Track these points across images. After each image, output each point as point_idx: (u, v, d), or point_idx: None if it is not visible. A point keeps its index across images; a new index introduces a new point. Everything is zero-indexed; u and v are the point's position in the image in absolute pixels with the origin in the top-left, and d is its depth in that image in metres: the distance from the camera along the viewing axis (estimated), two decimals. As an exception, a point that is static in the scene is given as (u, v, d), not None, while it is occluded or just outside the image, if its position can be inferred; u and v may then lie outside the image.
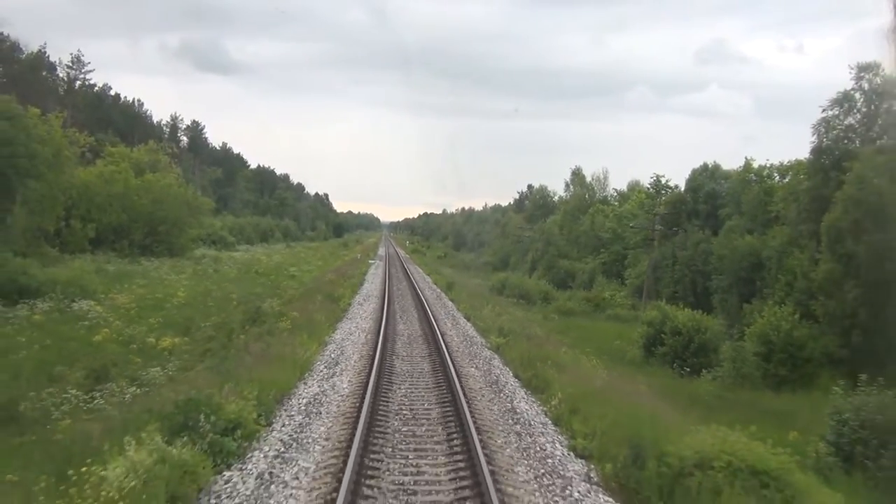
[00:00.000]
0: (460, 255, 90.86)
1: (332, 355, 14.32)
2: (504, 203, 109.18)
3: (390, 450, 8.39)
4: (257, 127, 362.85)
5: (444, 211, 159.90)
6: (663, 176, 60.32)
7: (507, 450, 8.62)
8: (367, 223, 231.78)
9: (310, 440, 8.63)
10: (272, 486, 7.08)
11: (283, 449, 8.27)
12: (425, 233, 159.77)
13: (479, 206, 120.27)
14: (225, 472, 7.47)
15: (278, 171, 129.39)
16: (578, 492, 7.33)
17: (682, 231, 43.94)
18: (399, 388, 11.60)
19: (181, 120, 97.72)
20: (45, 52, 64.99)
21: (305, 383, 11.69)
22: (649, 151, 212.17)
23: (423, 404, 10.67)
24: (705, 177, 46.48)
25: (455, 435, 8.97)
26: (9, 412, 13.10)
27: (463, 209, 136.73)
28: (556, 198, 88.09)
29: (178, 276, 38.24)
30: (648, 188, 60.80)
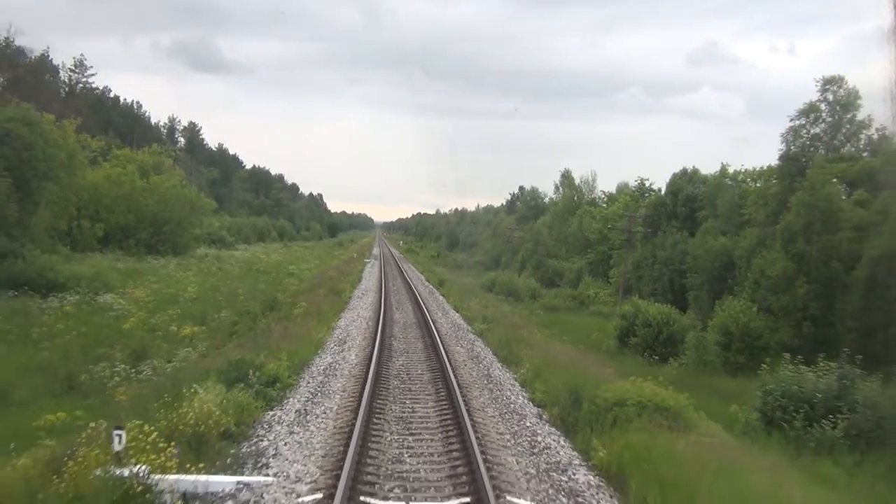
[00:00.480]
0: (453, 255, 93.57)
1: (340, 336, 17.05)
2: (497, 203, 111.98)
3: (392, 398, 11.12)
4: (250, 126, 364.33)
5: (438, 211, 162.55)
6: (647, 179, 63.54)
7: (481, 399, 11.37)
8: (360, 223, 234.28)
9: (330, 391, 11.36)
10: (307, 416, 9.80)
11: (311, 396, 10.99)
12: (419, 233, 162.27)
13: (472, 207, 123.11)
14: (270, 412, 10.17)
15: (272, 171, 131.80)
16: (530, 423, 10.09)
17: (662, 232, 46.80)
18: (397, 360, 14.34)
19: (178, 122, 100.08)
20: (48, 56, 67.37)
21: (321, 356, 14.40)
22: (642, 152, 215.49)
23: (417, 370, 13.41)
24: (684, 181, 49.39)
25: (441, 390, 11.70)
26: (70, 383, 15.77)
27: (456, 210, 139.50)
28: (547, 199, 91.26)
29: (186, 274, 40.86)
30: (633, 190, 63.95)
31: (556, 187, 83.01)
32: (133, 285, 32.32)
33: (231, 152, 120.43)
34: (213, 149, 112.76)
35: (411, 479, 7.50)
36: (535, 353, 15.42)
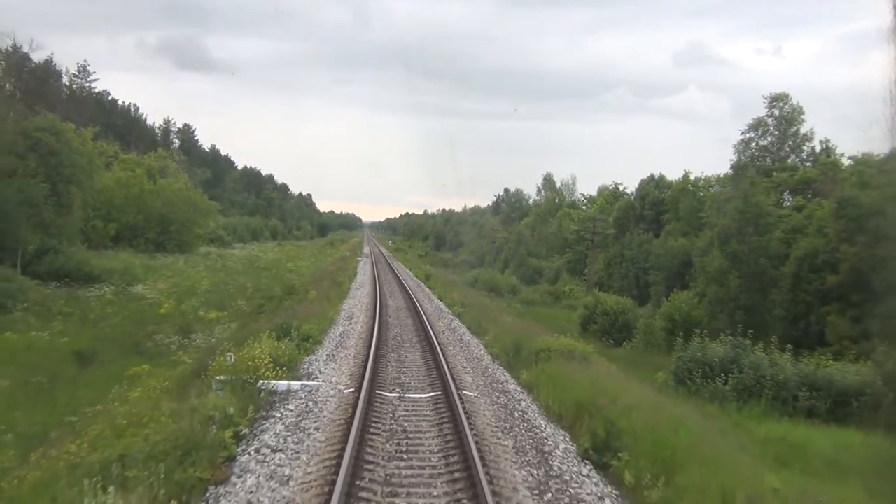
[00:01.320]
0: (440, 254, 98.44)
1: (347, 315, 21.89)
2: (485, 204, 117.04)
3: (391, 349, 15.96)
4: (237, 125, 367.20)
5: (426, 212, 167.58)
6: (621, 183, 69.00)
7: (453, 351, 16.27)
8: (349, 223, 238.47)
9: (348, 346, 16.20)
10: (335, 358, 14.63)
11: (334, 348, 15.82)
12: (407, 233, 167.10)
13: (458, 208, 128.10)
14: (308, 356, 14.98)
15: (261, 170, 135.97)
16: (485, 363, 15.02)
17: (630, 233, 51.96)
18: (393, 330, 19.20)
19: (174, 123, 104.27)
20: (52, 62, 71.44)
21: (334, 327, 19.21)
22: (630, 152, 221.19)
23: (408, 335, 18.28)
24: (651, 186, 54.62)
25: (426, 346, 16.56)
26: (138, 349, 20.50)
27: (443, 210, 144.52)
28: (531, 200, 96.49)
29: (195, 269, 45.48)
30: (609, 194, 69.30)
31: (539, 190, 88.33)
32: (153, 279, 36.99)
33: (223, 153, 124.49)
34: (207, 150, 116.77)
35: (405, 387, 12.36)
36: (499, 327, 20.33)
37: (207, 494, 6.95)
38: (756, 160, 44.83)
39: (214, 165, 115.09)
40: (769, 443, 15.12)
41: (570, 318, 39.36)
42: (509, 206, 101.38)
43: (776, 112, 45.29)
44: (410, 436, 9.23)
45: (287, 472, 7.60)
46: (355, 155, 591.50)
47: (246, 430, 9.21)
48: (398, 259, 71.62)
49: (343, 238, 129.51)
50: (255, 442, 8.69)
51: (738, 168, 44.82)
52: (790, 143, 45.50)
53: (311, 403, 10.78)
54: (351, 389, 11.63)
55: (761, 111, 45.26)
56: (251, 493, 6.98)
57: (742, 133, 45.59)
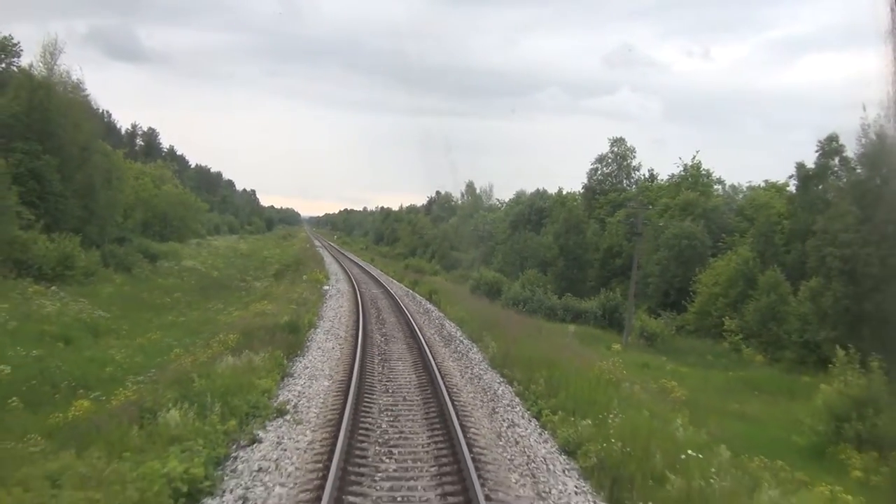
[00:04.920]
0: (379, 248, 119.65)
1: (332, 275, 43.13)
2: (420, 202, 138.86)
3: (361, 283, 37.38)
4: (171, 116, 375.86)
5: (365, 209, 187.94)
6: (523, 192, 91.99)
7: (394, 290, 38.00)
8: (289, 218, 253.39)
9: (339, 280, 37.66)
10: (335, 283, 36.08)
11: (334, 282, 37.21)
12: (346, 228, 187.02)
13: (395, 207, 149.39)
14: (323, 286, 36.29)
15: (209, 167, 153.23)
16: (459, 338, 36.76)
17: (519, 232, 74.70)
18: (358, 277, 40.72)
19: (140, 127, 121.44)
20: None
21: (329, 283, 40.47)
22: (563, 151, 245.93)
23: (368, 284, 39.85)
24: (536, 197, 77.69)
25: (376, 283, 38.14)
26: (226, 288, 41.19)
27: (382, 208, 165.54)
28: (458, 201, 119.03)
29: (202, 253, 65.31)
30: (514, 200, 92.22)
31: (462, 195, 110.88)
32: (184, 258, 56.97)
33: (178, 153, 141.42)
34: (165, 150, 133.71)
35: (366, 285, 33.90)
36: (420, 286, 42.07)
37: (318, 318, 28.21)
38: (601, 184, 68.25)
39: (170, 164, 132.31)
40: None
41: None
42: (439, 206, 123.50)
43: (615, 149, 68.98)
44: (377, 302, 30.72)
45: (339, 298, 29.02)
46: (291, 149, 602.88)
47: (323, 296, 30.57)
48: (345, 250, 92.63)
49: (291, 233, 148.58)
50: (328, 297, 30.01)
51: (587, 189, 68.29)
52: (624, 172, 69.22)
53: (334, 291, 32.15)
54: (349, 288, 33.18)
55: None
56: (334, 308, 28.34)
57: (591, 164, 69.07)
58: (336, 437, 9.59)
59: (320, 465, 8.80)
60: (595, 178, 68.86)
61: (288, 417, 11.06)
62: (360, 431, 10.46)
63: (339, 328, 21.71)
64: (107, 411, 11.04)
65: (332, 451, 9.05)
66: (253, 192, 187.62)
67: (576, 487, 8.93)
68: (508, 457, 9.91)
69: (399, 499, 8.10)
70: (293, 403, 11.98)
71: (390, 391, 13.56)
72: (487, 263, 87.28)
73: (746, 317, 35.59)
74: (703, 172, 59.25)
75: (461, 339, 21.80)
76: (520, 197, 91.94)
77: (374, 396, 12.93)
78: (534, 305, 42.44)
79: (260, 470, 8.73)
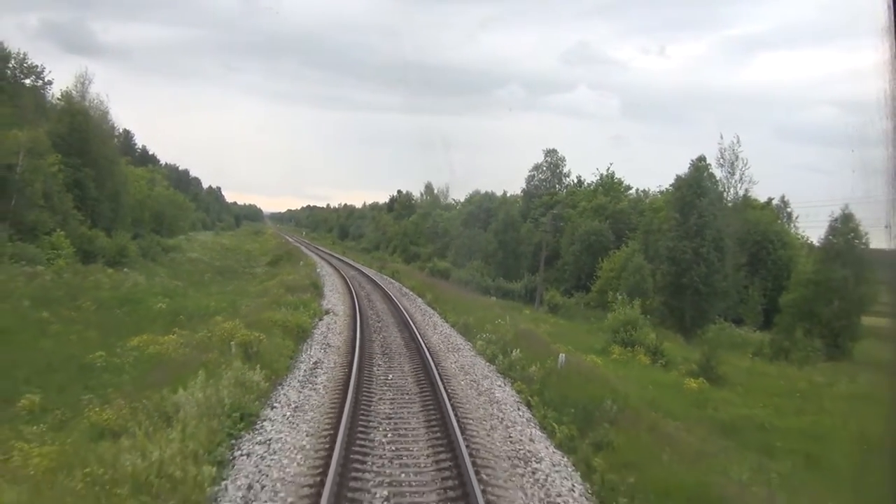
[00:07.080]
0: (345, 243, 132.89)
1: (320, 263, 56.65)
2: (381, 198, 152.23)
3: (344, 266, 51.00)
4: (130, 111, 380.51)
5: (329, 205, 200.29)
6: (477, 191, 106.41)
7: (368, 272, 51.79)
8: (252, 214, 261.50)
9: (327, 269, 51.32)
10: (323, 268, 49.74)
11: (321, 266, 50.80)
12: (310, 225, 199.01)
13: (359, 204, 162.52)
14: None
15: (178, 165, 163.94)
16: (411, 295, 50.60)
17: (470, 229, 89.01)
18: (346, 268, 54.44)
19: (118, 130, 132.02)
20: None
21: (319, 270, 53.97)
22: (523, 147, 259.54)
23: (343, 265, 53.54)
24: (485, 198, 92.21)
25: (359, 269, 51.88)
26: (234, 273, 54.34)
27: (345, 205, 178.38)
28: (418, 200, 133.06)
29: (194, 248, 77.90)
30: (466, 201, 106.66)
31: (422, 195, 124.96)
32: (185, 250, 69.74)
33: (150, 152, 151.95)
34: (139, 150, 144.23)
35: (349, 266, 47.68)
36: (385, 271, 55.97)
37: (322, 284, 41.89)
38: (537, 188, 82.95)
39: (144, 165, 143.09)
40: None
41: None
42: (401, 205, 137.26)
43: (549, 159, 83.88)
44: (357, 278, 44.50)
45: (331, 277, 42.73)
46: (252, 144, 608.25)
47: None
48: (315, 245, 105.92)
49: (259, 229, 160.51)
50: (323, 276, 43.72)
51: (525, 192, 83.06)
52: (556, 179, 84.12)
53: (324, 273, 45.87)
54: (333, 270, 46.96)
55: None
56: (330, 289, 42.06)
57: (529, 171, 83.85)
58: (356, 319, 23.63)
59: (352, 326, 22.80)
60: (532, 183, 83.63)
61: (331, 314, 25.04)
62: (365, 318, 24.50)
63: (338, 288, 35.68)
64: (241, 314, 24.64)
65: (355, 322, 23.06)
66: (219, 189, 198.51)
67: (452, 331, 23.21)
68: (428, 324, 24.12)
69: (385, 336, 22.11)
70: (332, 308, 26.00)
71: (374, 309, 27.63)
72: (442, 257, 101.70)
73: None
74: (617, 181, 74.42)
75: (412, 295, 35.83)
76: (472, 198, 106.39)
77: (367, 312, 26.99)
78: (472, 286, 56.64)
79: (329, 322, 22.73)
